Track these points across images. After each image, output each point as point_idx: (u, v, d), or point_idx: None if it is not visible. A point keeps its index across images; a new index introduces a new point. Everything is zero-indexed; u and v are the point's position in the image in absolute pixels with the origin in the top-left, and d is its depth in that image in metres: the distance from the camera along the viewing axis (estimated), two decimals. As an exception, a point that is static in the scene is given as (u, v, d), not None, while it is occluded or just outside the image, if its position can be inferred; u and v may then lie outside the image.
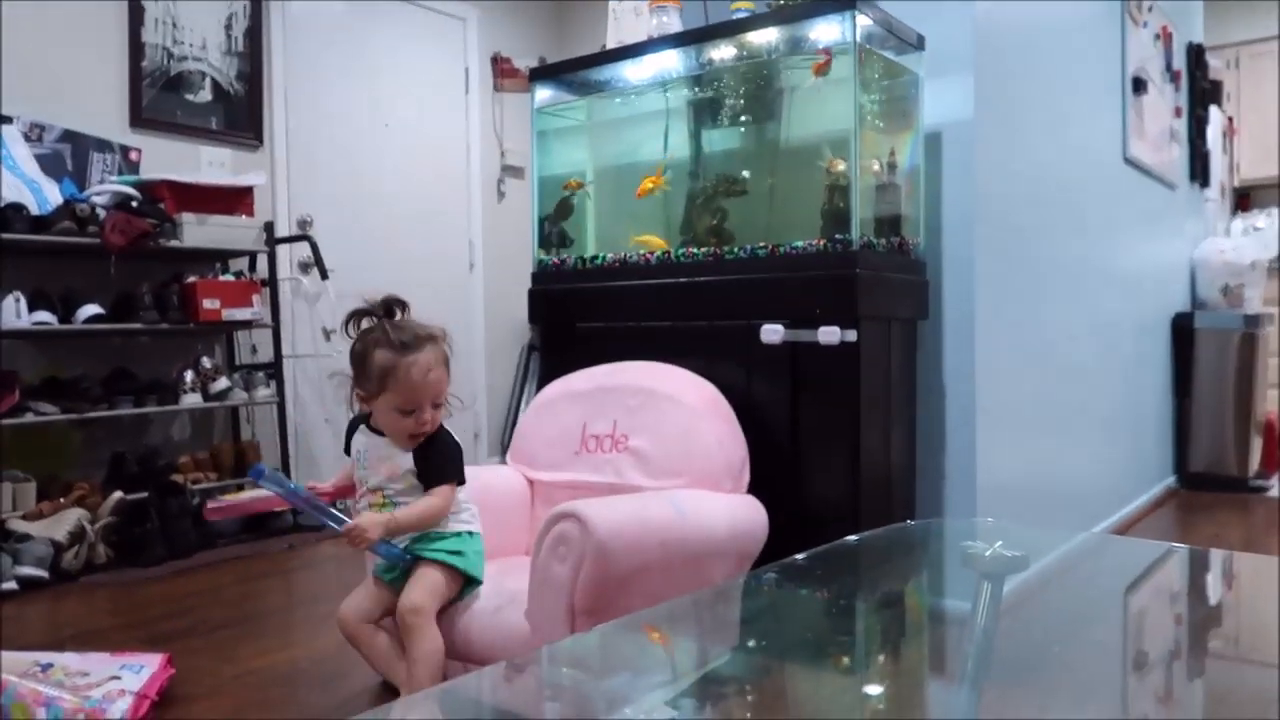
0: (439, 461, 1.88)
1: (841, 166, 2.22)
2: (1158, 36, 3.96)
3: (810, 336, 2.10)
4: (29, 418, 3.22)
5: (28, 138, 3.52)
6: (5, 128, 3.44)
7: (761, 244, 2.23)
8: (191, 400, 3.68)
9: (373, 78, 4.69)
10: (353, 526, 1.79)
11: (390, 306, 1.91)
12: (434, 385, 1.86)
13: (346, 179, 4.57)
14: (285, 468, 3.97)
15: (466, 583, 1.91)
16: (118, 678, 1.90)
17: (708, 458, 2.03)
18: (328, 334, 4.04)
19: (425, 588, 1.82)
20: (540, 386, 2.46)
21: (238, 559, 3.35)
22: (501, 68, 5.30)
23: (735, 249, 2.28)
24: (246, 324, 3.86)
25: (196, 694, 2.08)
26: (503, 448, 5.50)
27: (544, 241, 2.66)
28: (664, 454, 2.07)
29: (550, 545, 1.74)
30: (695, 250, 2.36)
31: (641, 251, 2.45)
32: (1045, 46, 2.86)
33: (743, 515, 1.99)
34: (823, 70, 2.12)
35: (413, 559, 1.87)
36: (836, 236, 2.13)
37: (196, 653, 2.35)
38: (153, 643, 2.42)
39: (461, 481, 1.93)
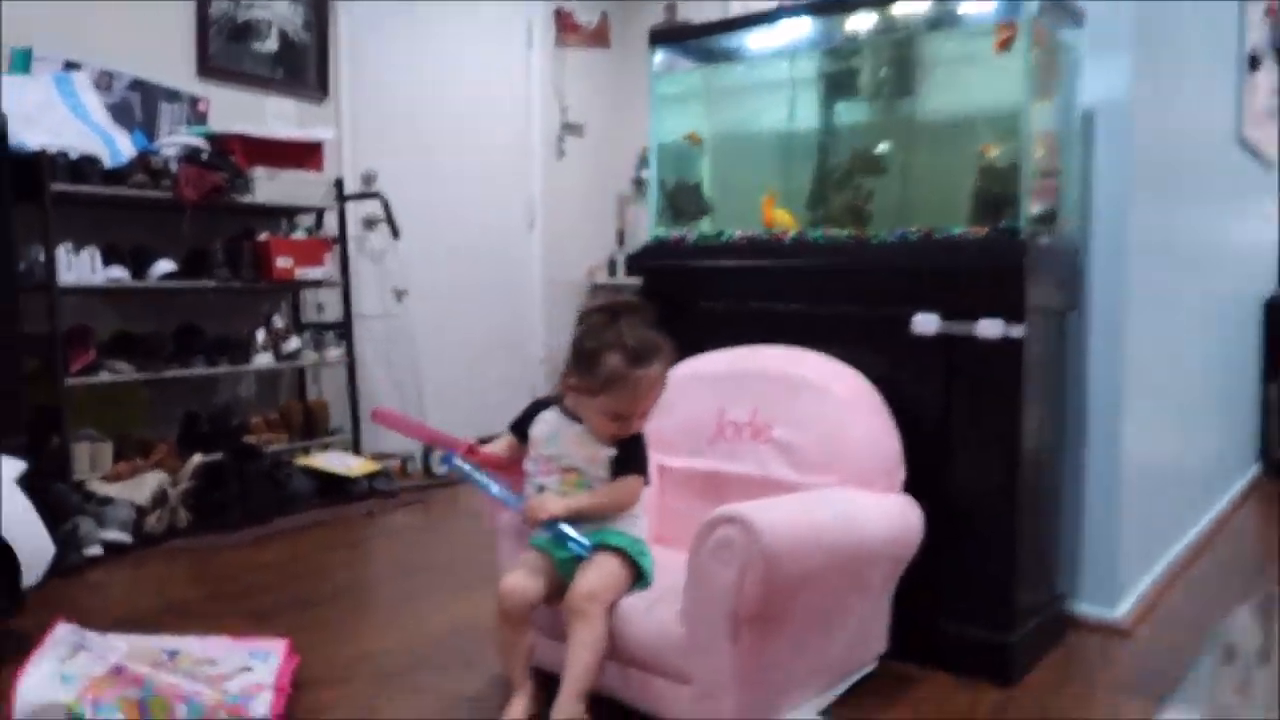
0: (637, 455, 1.86)
1: (995, 151, 2.10)
2: (1267, 12, 3.80)
3: (969, 329, 1.99)
4: (103, 376, 3.13)
5: (97, 86, 3.38)
6: (75, 75, 3.31)
7: (914, 228, 2.11)
8: (263, 360, 3.59)
9: (436, 31, 4.54)
10: (531, 504, 1.79)
11: (629, 307, 1.84)
12: (654, 399, 1.84)
13: (407, 133, 4.44)
14: (355, 430, 3.89)
15: (635, 581, 1.83)
16: (249, 669, 1.83)
17: (861, 454, 1.93)
18: (399, 294, 3.92)
19: (604, 576, 1.76)
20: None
21: (316, 525, 3.28)
22: (565, 22, 5.12)
23: (881, 232, 2.17)
24: (317, 283, 3.76)
25: (320, 681, 2.01)
26: (556, 411, 5.41)
27: (667, 211, 2.55)
28: (812, 448, 1.98)
29: (712, 549, 1.65)
30: (835, 231, 2.24)
31: (774, 231, 2.34)
32: (1186, 23, 2.72)
33: (899, 518, 1.90)
34: (1007, 46, 1.99)
35: (591, 548, 1.79)
36: (1001, 223, 2.02)
37: (305, 630, 2.28)
38: (255, 619, 2.36)
39: (649, 481, 1.90)
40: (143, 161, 3.24)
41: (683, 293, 2.46)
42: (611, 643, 1.77)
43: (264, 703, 1.72)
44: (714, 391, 2.17)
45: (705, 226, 2.56)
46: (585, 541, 1.78)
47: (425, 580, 2.76)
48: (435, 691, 2.00)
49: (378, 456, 3.87)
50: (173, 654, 1.85)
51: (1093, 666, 2.16)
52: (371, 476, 3.63)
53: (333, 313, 3.99)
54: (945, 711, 1.93)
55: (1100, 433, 2.29)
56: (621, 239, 5.38)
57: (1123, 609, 2.39)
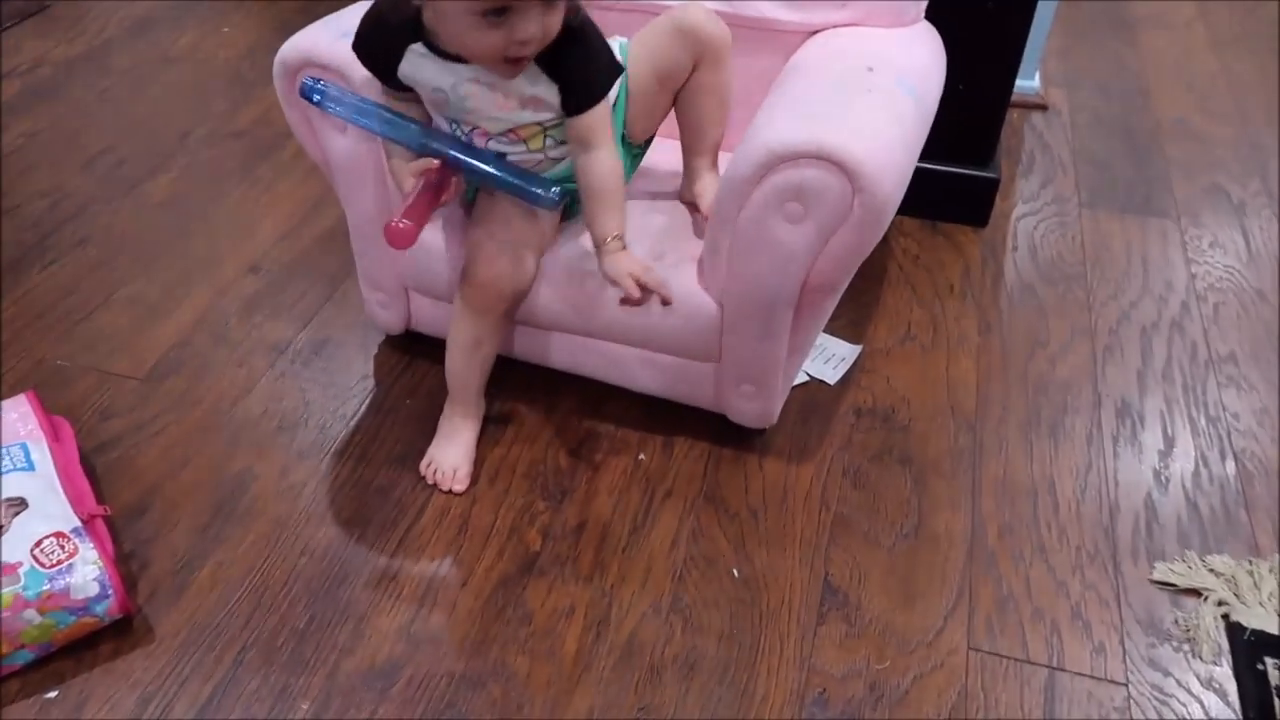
0: (591, 70, 1.06)
1: None
2: None
3: None
4: None
5: None
6: None
7: None
8: None
9: None
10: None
11: None
12: None
13: None
14: None
15: None
16: (19, 502, 1.07)
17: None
18: None
19: None
20: None
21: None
22: None
23: None
24: None
25: (113, 451, 1.28)
26: None
27: None
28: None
29: (772, 200, 1.05)
30: None
31: None
32: None
33: (941, 63, 1.33)
34: None
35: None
36: None
37: (28, 337, 1.46)
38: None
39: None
40: None
41: None
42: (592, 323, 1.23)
43: (88, 573, 1.02)
44: None
45: None
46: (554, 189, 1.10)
47: (154, 167, 1.85)
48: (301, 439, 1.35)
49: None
50: None
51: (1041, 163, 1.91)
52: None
53: None
54: (939, 276, 1.62)
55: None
56: None
57: (1038, 80, 2.11)
